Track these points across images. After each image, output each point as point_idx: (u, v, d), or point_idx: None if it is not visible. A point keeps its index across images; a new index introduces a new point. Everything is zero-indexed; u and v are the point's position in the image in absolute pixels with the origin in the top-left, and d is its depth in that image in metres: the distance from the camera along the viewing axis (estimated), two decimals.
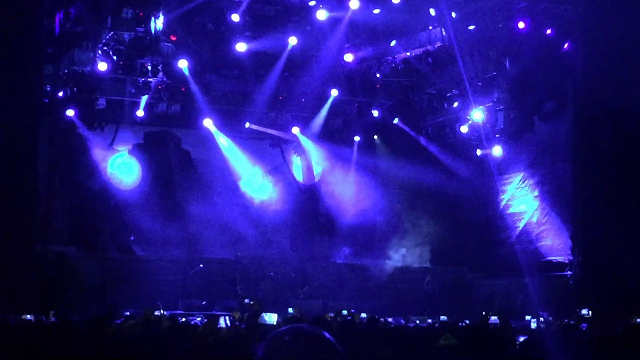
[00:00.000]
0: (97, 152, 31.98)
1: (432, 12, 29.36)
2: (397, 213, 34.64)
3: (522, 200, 30.92)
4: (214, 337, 11.04)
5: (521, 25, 28.41)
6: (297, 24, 30.23)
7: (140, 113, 31.22)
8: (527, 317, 22.31)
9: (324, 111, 33.48)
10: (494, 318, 19.27)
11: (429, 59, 31.76)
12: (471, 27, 29.50)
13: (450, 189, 32.24)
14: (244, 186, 34.37)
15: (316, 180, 35.65)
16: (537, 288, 27.66)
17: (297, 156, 35.62)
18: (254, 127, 33.28)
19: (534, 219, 30.28)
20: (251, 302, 24.46)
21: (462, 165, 32.69)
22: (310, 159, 35.49)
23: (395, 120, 34.13)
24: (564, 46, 28.45)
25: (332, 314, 21.09)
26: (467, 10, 29.20)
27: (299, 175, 35.73)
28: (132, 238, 29.00)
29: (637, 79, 25.63)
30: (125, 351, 10.21)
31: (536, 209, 30.27)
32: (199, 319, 21.21)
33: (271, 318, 19.58)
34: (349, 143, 35.15)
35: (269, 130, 33.65)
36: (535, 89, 29.62)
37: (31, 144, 26.79)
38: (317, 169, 35.67)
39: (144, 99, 30.95)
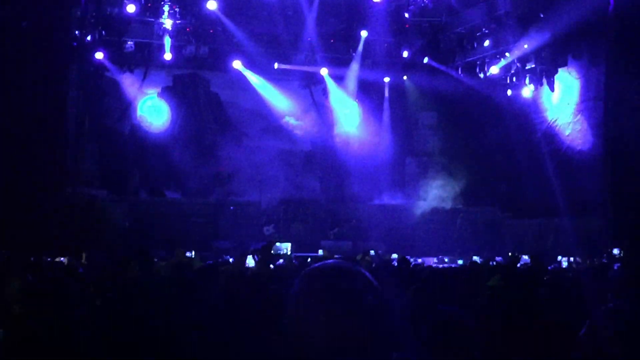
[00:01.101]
0: (127, 95, 31.99)
1: None
2: (428, 154, 34.53)
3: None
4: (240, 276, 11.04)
5: None
6: None
7: (167, 56, 31.07)
8: (559, 258, 22.24)
9: (356, 56, 33.37)
10: (524, 257, 19.17)
11: None
12: None
13: (480, 128, 32.02)
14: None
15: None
16: (569, 228, 27.50)
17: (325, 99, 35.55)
18: (283, 66, 33.07)
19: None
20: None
21: (491, 106, 32.38)
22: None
23: (425, 60, 33.78)
24: None
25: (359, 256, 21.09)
26: None
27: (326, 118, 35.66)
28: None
29: None
30: (156, 292, 10.22)
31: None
32: (231, 260, 21.30)
33: (285, 246, 19.66)
34: (378, 84, 34.98)
35: (298, 68, 33.37)
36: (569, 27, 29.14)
37: (61, 87, 26.83)
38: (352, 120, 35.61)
39: (168, 41, 30.75)
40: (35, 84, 25.34)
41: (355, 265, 3.79)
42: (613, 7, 26.02)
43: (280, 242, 24.31)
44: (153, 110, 32.91)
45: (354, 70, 34.03)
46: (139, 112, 32.48)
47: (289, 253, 20.11)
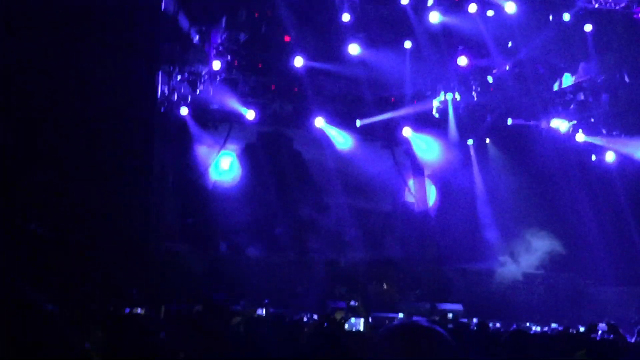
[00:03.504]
0: (207, 152, 32.35)
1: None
2: (508, 218, 34.20)
3: None
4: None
5: None
6: (411, 26, 29.98)
7: (250, 115, 31.40)
8: None
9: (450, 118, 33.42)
10: (602, 325, 18.83)
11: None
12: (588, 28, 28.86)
13: (563, 194, 31.68)
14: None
15: (430, 205, 35.47)
16: None
17: (408, 161, 35.49)
18: (366, 121, 33.12)
19: None
20: (357, 304, 24.40)
21: (576, 171, 32.05)
22: (424, 179, 35.39)
23: (509, 121, 33.66)
24: None
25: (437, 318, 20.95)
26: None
27: (411, 183, 35.60)
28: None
29: None
30: (227, 347, 10.29)
31: None
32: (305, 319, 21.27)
33: (358, 322, 19.46)
34: (461, 146, 34.89)
35: (380, 119, 33.34)
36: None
37: (147, 142, 27.30)
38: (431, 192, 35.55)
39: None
40: (123, 138, 25.84)
41: (433, 325, 3.76)
42: None
43: (355, 312, 24.07)
44: (226, 168, 33.14)
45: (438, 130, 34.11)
46: (213, 169, 32.71)
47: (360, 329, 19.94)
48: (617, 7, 28.40)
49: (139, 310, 18.07)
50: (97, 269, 24.39)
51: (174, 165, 31.15)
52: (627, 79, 29.60)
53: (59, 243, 24.49)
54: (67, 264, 24.09)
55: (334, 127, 33.02)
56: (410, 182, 35.50)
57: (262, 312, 20.84)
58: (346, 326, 19.79)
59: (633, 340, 17.88)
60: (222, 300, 20.06)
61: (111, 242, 25.45)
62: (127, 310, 18.68)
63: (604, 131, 31.11)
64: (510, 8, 27.60)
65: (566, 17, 28.27)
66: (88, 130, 25.71)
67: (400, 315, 24.90)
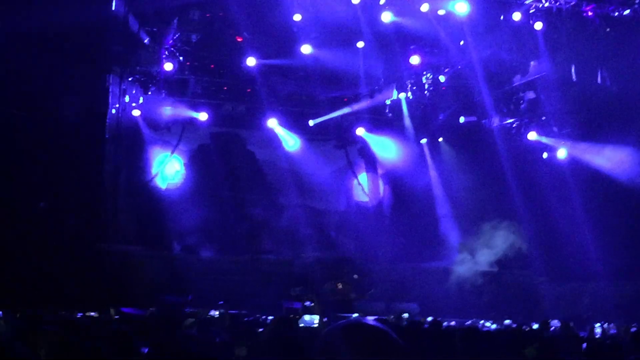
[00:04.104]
0: (159, 153, 32.20)
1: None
2: (463, 215, 34.35)
3: None
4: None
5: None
6: (363, 26, 29.98)
7: (203, 116, 31.35)
8: (594, 324, 21.97)
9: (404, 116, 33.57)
10: (554, 322, 18.98)
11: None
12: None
13: (516, 192, 31.86)
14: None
15: (381, 194, 35.60)
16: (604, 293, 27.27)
17: (362, 160, 35.58)
18: (319, 120, 33.14)
19: None
20: (312, 304, 24.39)
21: (529, 169, 32.27)
22: (377, 172, 35.50)
23: (462, 119, 33.86)
24: None
25: (392, 317, 21.02)
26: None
27: (364, 181, 35.67)
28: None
29: None
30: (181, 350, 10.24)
31: None
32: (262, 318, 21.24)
33: (312, 319, 19.45)
34: (414, 144, 35.01)
35: (331, 116, 33.37)
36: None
37: (98, 143, 27.10)
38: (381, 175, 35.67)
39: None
40: (73, 138, 25.63)
41: (380, 324, 3.75)
42: None
43: (310, 313, 23.96)
44: (172, 173, 32.99)
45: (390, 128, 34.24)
46: (159, 169, 32.52)
47: (315, 325, 19.91)
48: (567, 6, 28.66)
49: (91, 314, 17.95)
50: (48, 272, 24.20)
51: (127, 167, 30.94)
52: (576, 77, 29.88)
53: (9, 246, 24.26)
54: (18, 268, 23.87)
55: (285, 129, 33.01)
56: (361, 178, 35.54)
57: (216, 313, 20.74)
58: (301, 324, 19.79)
59: (585, 335, 18.02)
60: (175, 302, 20.02)
61: (62, 245, 25.25)
62: (80, 314, 18.55)
63: (555, 129, 31.36)
64: (462, 8, 27.69)
65: (517, 16, 28.44)
66: (38, 132, 25.46)
67: (355, 314, 24.88)
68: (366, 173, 35.78)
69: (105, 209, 28.74)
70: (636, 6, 28.45)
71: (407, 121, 34.10)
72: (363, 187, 35.42)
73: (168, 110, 31.23)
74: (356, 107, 33.41)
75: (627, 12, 28.74)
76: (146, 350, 9.63)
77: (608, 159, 29.56)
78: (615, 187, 29.06)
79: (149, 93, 30.09)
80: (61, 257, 24.98)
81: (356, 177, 35.42)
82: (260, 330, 14.68)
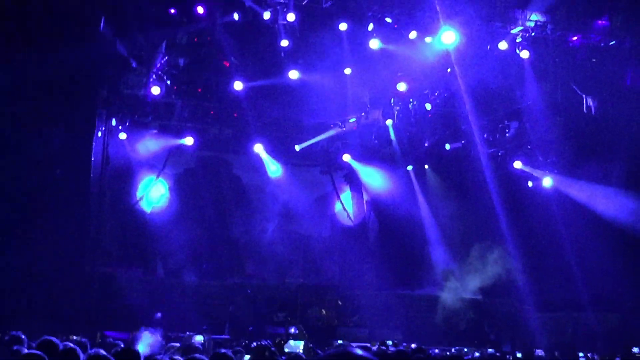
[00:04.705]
0: (145, 176, 32.18)
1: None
2: (448, 243, 34.38)
3: None
4: None
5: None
6: (350, 53, 30.06)
7: (189, 140, 31.38)
8: (578, 353, 22.01)
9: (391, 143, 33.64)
10: (539, 351, 19.03)
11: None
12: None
13: (501, 221, 31.93)
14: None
15: (365, 211, 35.62)
16: (588, 323, 27.32)
17: (348, 188, 35.64)
18: (305, 144, 33.19)
19: None
20: (297, 331, 24.35)
21: (514, 197, 32.37)
22: (362, 191, 35.54)
23: (448, 147, 33.98)
24: None
25: (377, 344, 20.98)
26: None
27: (349, 208, 35.69)
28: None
29: None
30: None
31: None
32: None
33: (297, 345, 19.39)
34: (401, 171, 35.08)
35: (317, 139, 33.43)
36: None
37: (84, 165, 27.06)
38: (365, 197, 35.71)
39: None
40: (60, 161, 25.58)
41: (369, 353, 3.75)
42: None
43: (295, 339, 23.90)
44: (157, 198, 32.94)
45: (376, 156, 34.30)
46: (144, 193, 32.46)
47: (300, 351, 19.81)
48: (553, 35, 28.87)
49: (74, 338, 17.83)
50: (33, 294, 24.11)
51: (112, 190, 30.91)
52: (561, 106, 30.07)
53: None
54: (2, 290, 23.77)
55: (270, 154, 33.05)
56: (346, 203, 35.55)
57: (200, 338, 20.65)
58: (286, 349, 19.74)
59: None
60: (159, 327, 19.91)
61: (48, 266, 25.16)
62: (63, 337, 18.43)
63: (540, 158, 31.49)
64: (449, 37, 27.83)
65: (503, 45, 28.59)
66: (26, 153, 25.42)
67: (340, 341, 24.84)
68: (352, 199, 35.81)
69: (90, 231, 28.65)
70: (620, 37, 28.74)
71: (394, 147, 34.16)
72: (348, 212, 35.43)
73: (155, 134, 31.24)
74: (342, 132, 33.47)
75: (612, 42, 28.99)
76: None
77: (591, 196, 29.73)
78: (600, 218, 29.19)
79: (136, 117, 30.09)
80: (46, 279, 24.90)
81: (341, 202, 35.43)
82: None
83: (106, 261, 29.89)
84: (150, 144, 31.46)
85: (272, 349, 11.96)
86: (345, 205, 35.58)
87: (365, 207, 35.87)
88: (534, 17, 27.92)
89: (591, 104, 29.71)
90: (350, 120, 33.26)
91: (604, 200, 29.31)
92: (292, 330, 24.44)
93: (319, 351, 18.31)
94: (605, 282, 28.37)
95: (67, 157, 25.96)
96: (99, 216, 29.91)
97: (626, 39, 28.87)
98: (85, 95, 27.17)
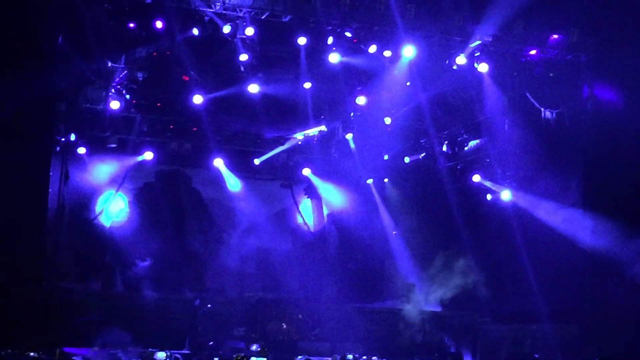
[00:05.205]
0: (104, 190, 32.02)
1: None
2: (408, 256, 34.47)
3: None
4: None
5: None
6: (310, 67, 30.10)
7: (148, 155, 31.28)
8: None
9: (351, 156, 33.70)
10: None
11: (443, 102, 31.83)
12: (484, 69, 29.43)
13: (461, 233, 32.06)
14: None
15: (325, 220, 35.64)
16: (547, 335, 27.47)
17: (307, 198, 35.65)
18: (264, 157, 33.19)
19: None
20: (259, 349, 24.25)
21: (473, 210, 32.52)
22: (322, 202, 35.53)
23: (407, 159, 34.10)
24: None
25: (338, 358, 21.00)
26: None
27: (309, 218, 35.69)
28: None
29: None
30: None
31: None
32: None
33: None
34: (360, 184, 35.14)
35: (276, 151, 33.45)
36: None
37: (41, 180, 26.82)
38: (325, 211, 35.71)
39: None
40: (18, 176, 25.32)
41: None
42: None
43: (258, 356, 23.77)
44: (115, 212, 32.80)
45: (335, 170, 34.33)
46: (103, 207, 32.30)
47: None
48: (511, 49, 29.15)
49: (32, 354, 17.68)
50: None
51: (71, 204, 30.68)
52: (520, 120, 30.32)
53: None
54: None
55: (229, 169, 33.00)
56: (306, 217, 35.56)
57: (162, 355, 20.54)
58: None
59: None
60: (118, 342, 19.79)
61: (4, 282, 24.89)
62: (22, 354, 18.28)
63: (499, 171, 31.68)
64: (408, 52, 27.98)
65: (461, 59, 28.78)
66: None
67: (300, 356, 24.78)
68: (312, 212, 35.82)
69: (47, 246, 28.38)
70: (577, 52, 29.14)
71: (353, 161, 34.22)
72: (309, 226, 35.43)
73: (113, 148, 31.07)
74: (302, 145, 33.51)
75: (568, 57, 29.33)
76: None
77: (549, 214, 29.91)
78: (558, 233, 29.38)
79: (95, 131, 29.93)
80: (2, 295, 24.62)
81: (302, 216, 35.43)
82: None
83: (64, 276, 29.61)
84: (107, 168, 31.36)
85: None
86: (305, 217, 35.58)
87: (325, 219, 35.88)
88: (492, 32, 28.14)
89: (549, 116, 29.99)
90: (310, 134, 33.27)
91: (561, 219, 29.51)
92: (254, 347, 24.31)
93: None
94: (564, 294, 28.58)
95: (24, 172, 25.67)
96: (58, 231, 29.63)
97: (582, 53, 29.24)
98: (44, 109, 26.93)
